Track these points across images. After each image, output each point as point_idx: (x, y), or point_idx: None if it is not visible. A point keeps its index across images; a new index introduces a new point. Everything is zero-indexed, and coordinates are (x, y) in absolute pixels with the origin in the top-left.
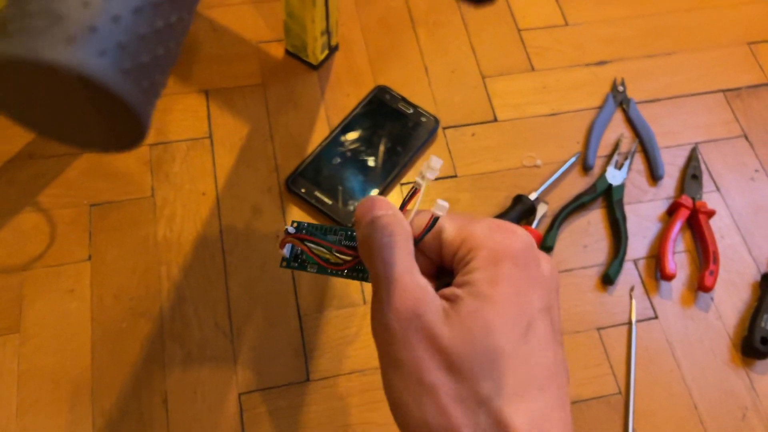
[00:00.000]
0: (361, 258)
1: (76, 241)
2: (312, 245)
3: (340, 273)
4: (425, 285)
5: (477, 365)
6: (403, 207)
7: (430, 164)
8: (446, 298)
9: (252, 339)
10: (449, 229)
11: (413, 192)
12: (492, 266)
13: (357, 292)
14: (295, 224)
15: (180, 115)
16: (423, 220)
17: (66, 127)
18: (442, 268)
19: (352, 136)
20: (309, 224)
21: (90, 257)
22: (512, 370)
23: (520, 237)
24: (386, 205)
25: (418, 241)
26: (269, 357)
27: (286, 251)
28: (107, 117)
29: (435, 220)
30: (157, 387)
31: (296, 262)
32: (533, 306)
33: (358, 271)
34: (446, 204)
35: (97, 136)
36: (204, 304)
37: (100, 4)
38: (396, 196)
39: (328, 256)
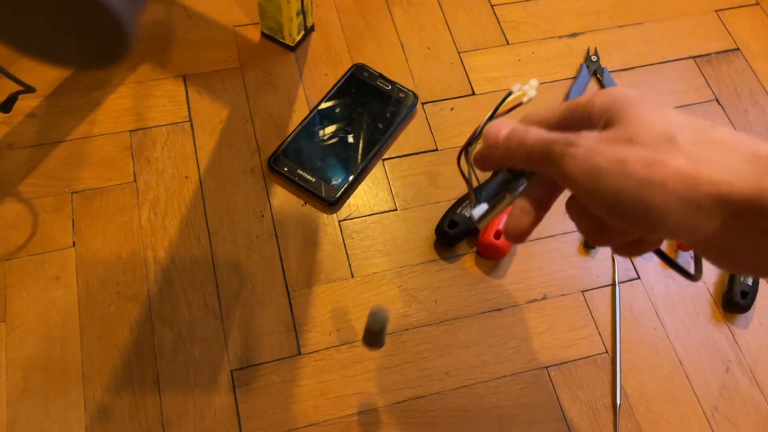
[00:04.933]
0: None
1: (60, 229)
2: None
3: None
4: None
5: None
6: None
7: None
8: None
9: (242, 317)
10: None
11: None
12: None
13: (344, 266)
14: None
15: (158, 100)
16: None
17: (48, 42)
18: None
19: (333, 114)
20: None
21: (74, 244)
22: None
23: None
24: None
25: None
26: (260, 333)
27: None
28: (89, 26)
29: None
30: (148, 369)
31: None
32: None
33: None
34: (535, 83)
35: (82, 50)
36: (192, 285)
37: None
38: (379, 171)
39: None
